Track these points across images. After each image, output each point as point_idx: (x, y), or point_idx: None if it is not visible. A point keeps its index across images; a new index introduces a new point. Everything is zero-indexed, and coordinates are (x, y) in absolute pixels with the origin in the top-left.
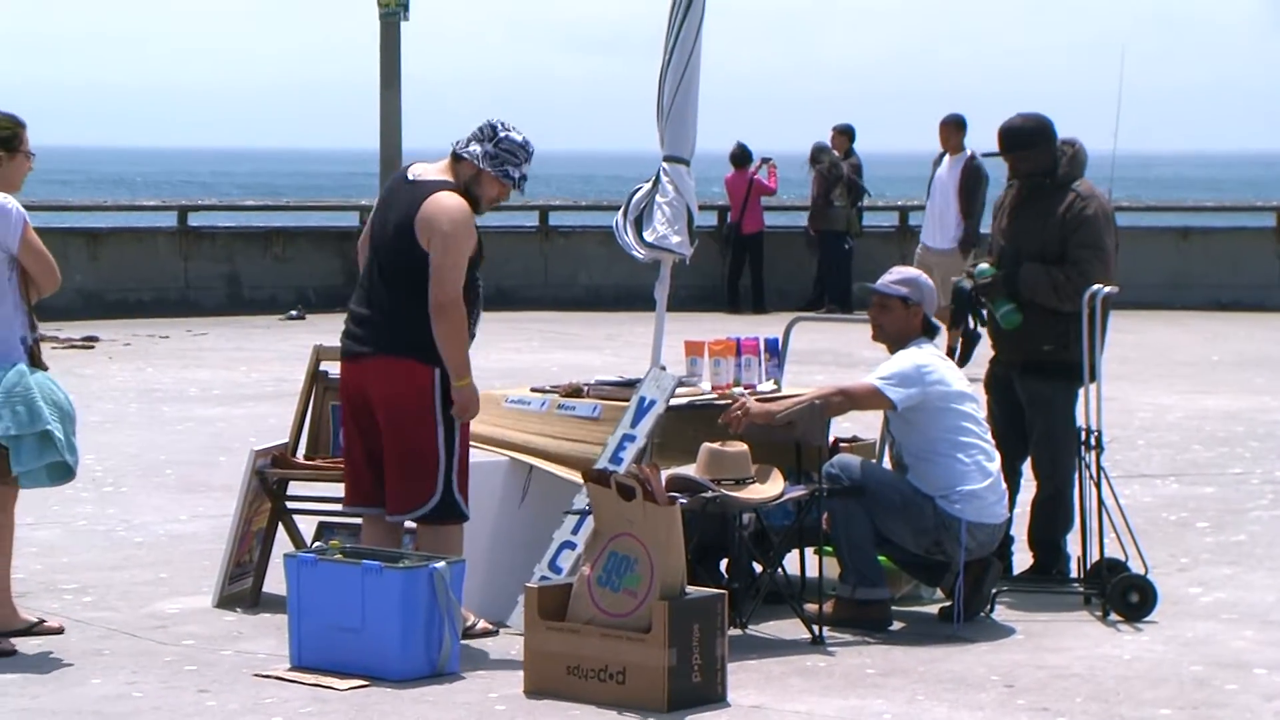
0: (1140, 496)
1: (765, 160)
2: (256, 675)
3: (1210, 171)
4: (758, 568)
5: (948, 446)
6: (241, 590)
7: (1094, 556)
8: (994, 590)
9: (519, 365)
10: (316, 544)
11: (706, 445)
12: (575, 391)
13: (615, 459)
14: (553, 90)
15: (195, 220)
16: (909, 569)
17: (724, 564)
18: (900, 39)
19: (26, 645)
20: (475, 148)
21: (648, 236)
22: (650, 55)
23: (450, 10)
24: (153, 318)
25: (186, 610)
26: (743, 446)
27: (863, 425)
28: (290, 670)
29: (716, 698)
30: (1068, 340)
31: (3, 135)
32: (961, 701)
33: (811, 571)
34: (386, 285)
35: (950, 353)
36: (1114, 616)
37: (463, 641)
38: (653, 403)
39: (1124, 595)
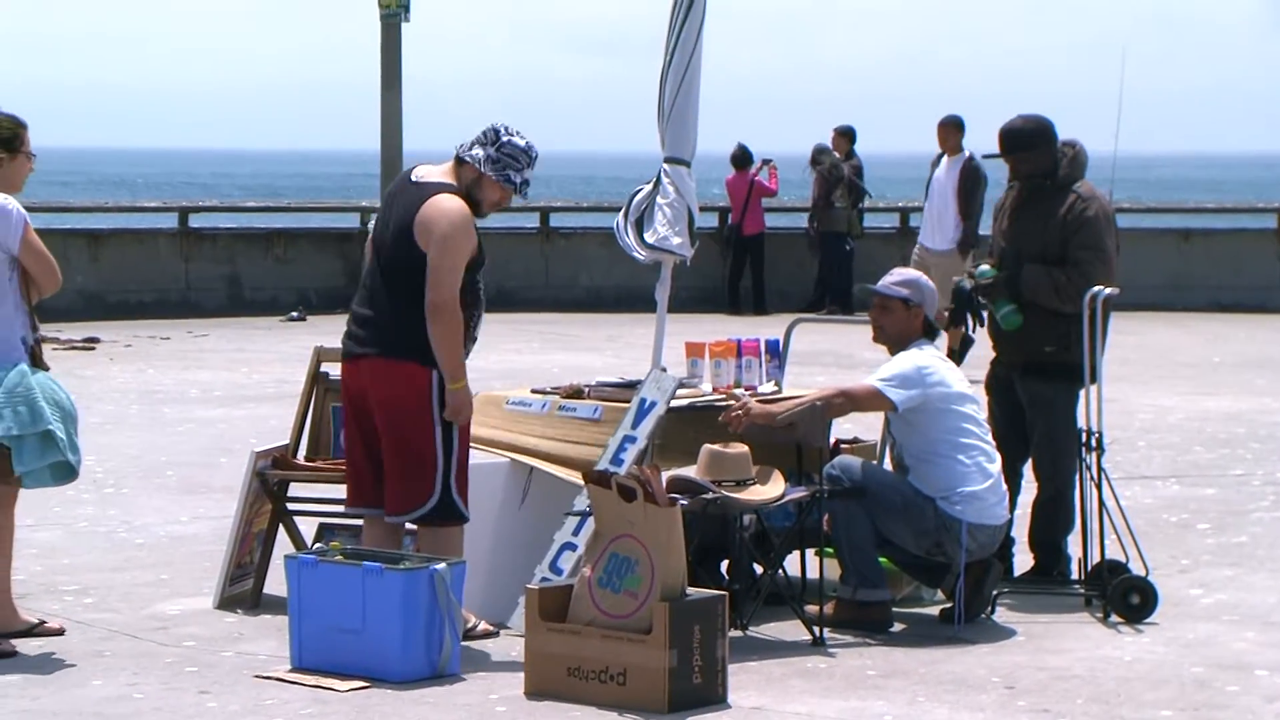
0: (1141, 498)
1: (766, 162)
2: (257, 676)
3: (1211, 173)
4: (758, 569)
5: (948, 448)
6: (242, 591)
7: (1095, 558)
8: (995, 592)
9: (520, 366)
10: (317, 545)
11: (707, 447)
12: (576, 393)
13: (616, 460)
14: (553, 91)
15: (196, 221)
16: (910, 570)
17: (725, 565)
18: (900, 40)
19: (27, 646)
20: (478, 151)
21: (648, 238)
22: (651, 56)
23: (451, 11)
24: (154, 319)
25: (187, 611)
26: (743, 448)
27: (864, 426)
28: (291, 671)
29: (717, 699)
30: (1069, 341)
31: (4, 136)
32: (962, 703)
33: (812, 573)
34: (386, 286)
35: (951, 354)
36: (1115, 618)
37: (463, 643)
38: (653, 404)
39: (1125, 597)
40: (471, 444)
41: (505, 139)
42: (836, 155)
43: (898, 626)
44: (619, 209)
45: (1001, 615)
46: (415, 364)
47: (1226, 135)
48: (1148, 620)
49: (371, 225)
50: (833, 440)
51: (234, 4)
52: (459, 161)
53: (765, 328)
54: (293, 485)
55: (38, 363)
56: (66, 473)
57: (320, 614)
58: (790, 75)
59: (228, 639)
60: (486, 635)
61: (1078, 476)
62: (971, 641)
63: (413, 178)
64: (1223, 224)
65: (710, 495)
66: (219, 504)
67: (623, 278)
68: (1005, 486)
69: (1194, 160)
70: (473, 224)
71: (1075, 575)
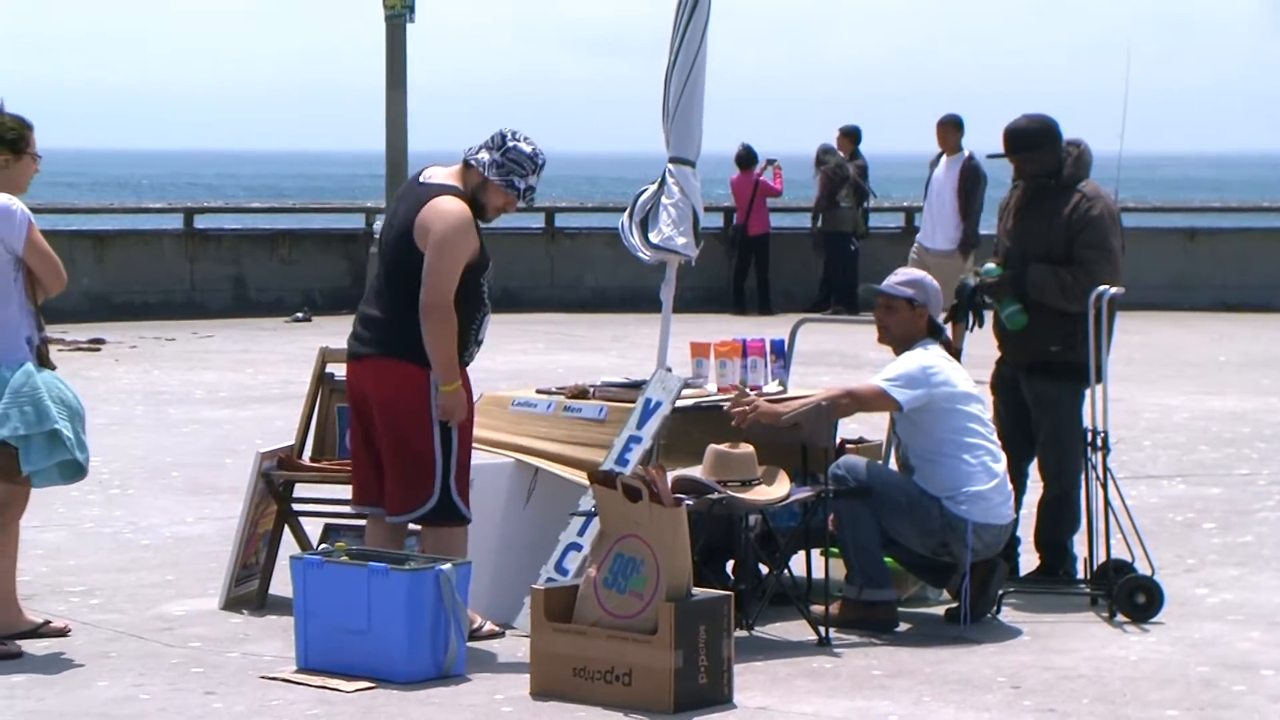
0: (1147, 497)
1: (770, 162)
2: (263, 677)
3: (1215, 172)
4: (764, 569)
5: (954, 447)
6: (248, 592)
7: (1100, 557)
8: (1000, 591)
9: (525, 367)
10: (323, 546)
11: (712, 447)
12: (581, 393)
13: (621, 460)
14: (558, 92)
15: (201, 223)
16: (915, 570)
17: (730, 565)
18: (903, 40)
19: (33, 647)
20: (484, 156)
21: (653, 238)
22: (656, 57)
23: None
24: (159, 320)
25: (193, 612)
26: (749, 448)
27: (869, 426)
28: (296, 672)
29: (723, 699)
30: (1074, 341)
31: (9, 137)
32: (968, 703)
33: (818, 573)
34: (389, 287)
35: (955, 354)
36: (1120, 617)
37: (469, 643)
38: (658, 404)
39: (1130, 596)
40: (477, 444)
41: (511, 144)
42: (841, 155)
43: (903, 626)
44: (624, 209)
45: (1007, 615)
46: (414, 365)
47: (1229, 134)
48: (1153, 620)
49: (379, 226)
50: (838, 440)
51: (235, 4)
52: (466, 165)
53: (770, 328)
54: (298, 486)
55: (44, 362)
56: (75, 471)
57: (326, 615)
58: (794, 75)
59: (233, 640)
60: (492, 635)
61: (1083, 476)
62: (977, 641)
63: (420, 179)
64: (1228, 223)
65: (716, 495)
66: (224, 505)
67: (627, 278)
68: (1010, 486)
69: (1197, 159)
70: (473, 227)
71: (1081, 575)
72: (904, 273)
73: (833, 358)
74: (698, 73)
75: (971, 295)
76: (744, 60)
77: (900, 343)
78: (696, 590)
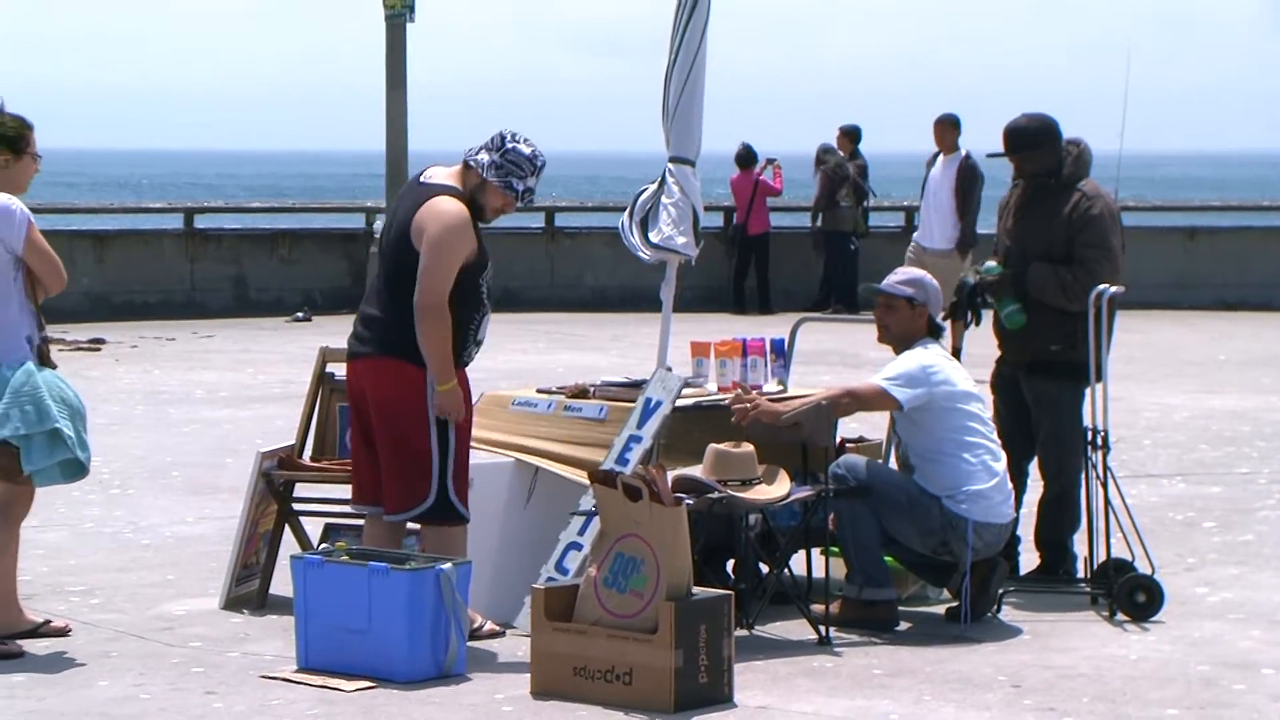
0: (1147, 496)
1: (770, 161)
2: (263, 677)
3: (1215, 171)
4: (764, 568)
5: (954, 446)
6: (248, 592)
7: (1101, 556)
8: (1000, 590)
9: (525, 366)
10: (323, 545)
11: (713, 446)
12: (581, 393)
13: (621, 460)
14: (558, 92)
15: (201, 222)
16: (915, 569)
17: (730, 565)
18: (903, 40)
19: (34, 647)
20: (483, 156)
21: (653, 237)
22: (655, 56)
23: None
24: (159, 320)
25: (193, 612)
26: (749, 447)
27: (869, 426)
28: (297, 672)
29: (723, 698)
30: (1074, 340)
31: (9, 136)
32: (968, 702)
33: (818, 572)
34: (388, 287)
35: (955, 352)
36: (1121, 616)
37: (469, 643)
38: (659, 404)
39: (1131, 595)
40: (477, 444)
41: (509, 145)
42: (841, 155)
43: (903, 625)
44: (624, 209)
45: (1007, 614)
46: (412, 364)
47: (1229, 134)
48: (1153, 619)
49: (379, 226)
50: (839, 439)
51: (235, 4)
52: (466, 166)
53: (770, 327)
54: (298, 485)
55: (45, 361)
56: (76, 470)
57: (326, 614)
58: (793, 74)
59: (234, 639)
60: (492, 635)
61: (1083, 475)
62: (977, 640)
63: (421, 179)
64: (1228, 222)
65: (716, 495)
66: (225, 504)
67: (628, 277)
68: (1011, 485)
69: (1198, 159)
70: (469, 227)
71: (1081, 574)
72: (904, 272)
73: (833, 357)
74: (697, 72)
75: (971, 293)
76: (744, 60)
77: (900, 342)
78: (697, 589)
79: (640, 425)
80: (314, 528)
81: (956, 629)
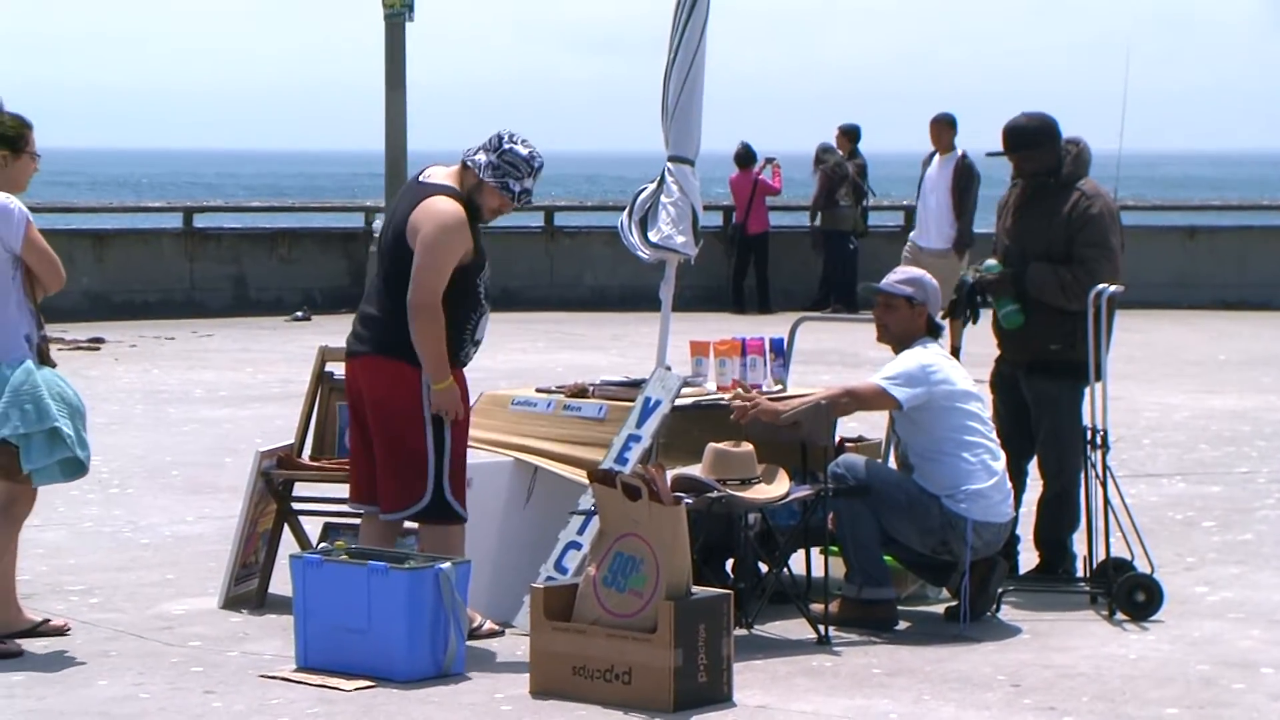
0: (1146, 496)
1: (769, 160)
2: (263, 676)
3: (1214, 171)
4: (763, 568)
5: (953, 446)
6: (247, 591)
7: (1100, 556)
8: (1000, 590)
9: (525, 366)
10: (322, 545)
11: (712, 445)
12: (581, 392)
13: (621, 459)
14: (557, 91)
15: (201, 222)
16: (915, 568)
17: (730, 564)
18: (902, 39)
19: (33, 646)
20: (481, 157)
21: (653, 237)
22: (655, 56)
23: (456, 12)
24: (158, 319)
25: (193, 611)
26: (748, 446)
27: (869, 425)
28: (296, 671)
29: (722, 698)
30: (1074, 339)
31: (9, 135)
32: (968, 701)
33: (817, 571)
34: (386, 286)
35: (954, 352)
36: (1120, 616)
37: (469, 642)
38: (658, 403)
39: (1130, 594)
40: (477, 444)
41: (508, 147)
42: (840, 154)
43: (903, 625)
44: (623, 208)
45: (1007, 613)
46: (408, 363)
47: (1229, 133)
48: (1153, 618)
49: (378, 226)
50: (838, 439)
51: (235, 4)
52: (464, 166)
53: (770, 326)
54: (298, 485)
55: (45, 360)
56: (76, 469)
57: (325, 613)
58: (793, 74)
59: (233, 639)
60: (492, 634)
61: (1083, 474)
62: (977, 640)
63: (420, 178)
64: (1228, 221)
65: (715, 494)
66: (224, 504)
67: (627, 277)
68: (1010, 484)
69: (1197, 158)
70: (464, 227)
71: (1080, 573)
72: (903, 271)
73: (832, 356)
74: (697, 71)
75: (971, 292)
76: (743, 59)
77: (899, 341)
78: (696, 589)
79: (639, 424)
80: (313, 527)
81: (956, 628)
